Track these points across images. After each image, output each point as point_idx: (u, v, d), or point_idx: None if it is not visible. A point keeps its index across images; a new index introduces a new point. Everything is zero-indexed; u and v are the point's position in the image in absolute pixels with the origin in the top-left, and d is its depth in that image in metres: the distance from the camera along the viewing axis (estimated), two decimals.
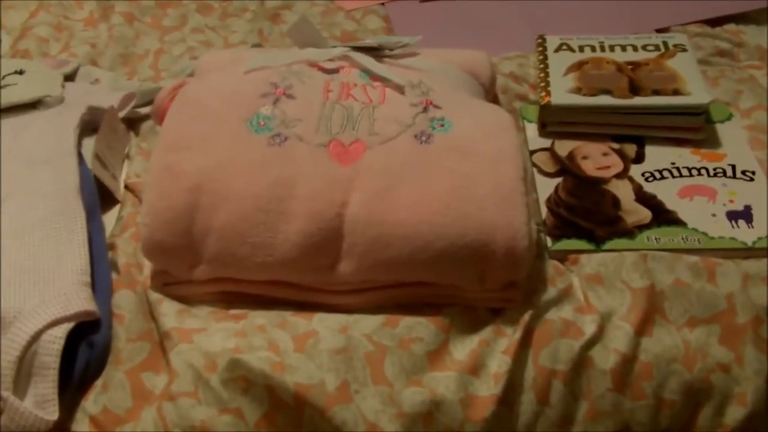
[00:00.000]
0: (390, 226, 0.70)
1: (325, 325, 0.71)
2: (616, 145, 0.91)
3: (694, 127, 0.90)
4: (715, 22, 1.13)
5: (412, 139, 0.75)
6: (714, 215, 0.82)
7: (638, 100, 0.90)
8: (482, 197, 0.71)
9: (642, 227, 0.81)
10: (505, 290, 0.74)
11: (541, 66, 0.98)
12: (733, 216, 0.82)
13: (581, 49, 1.01)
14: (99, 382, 0.71)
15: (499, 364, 0.71)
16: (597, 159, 0.89)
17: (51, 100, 0.96)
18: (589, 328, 0.73)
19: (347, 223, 0.71)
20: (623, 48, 1.00)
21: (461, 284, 0.73)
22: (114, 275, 0.78)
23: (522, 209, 0.71)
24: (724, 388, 0.74)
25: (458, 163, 0.73)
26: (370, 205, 0.71)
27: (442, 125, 0.77)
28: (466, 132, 0.76)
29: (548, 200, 0.85)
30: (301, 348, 0.69)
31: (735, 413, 0.74)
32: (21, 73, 1.01)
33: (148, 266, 0.77)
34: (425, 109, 0.78)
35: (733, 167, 0.87)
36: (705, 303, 0.76)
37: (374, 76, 0.83)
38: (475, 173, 0.72)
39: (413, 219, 0.70)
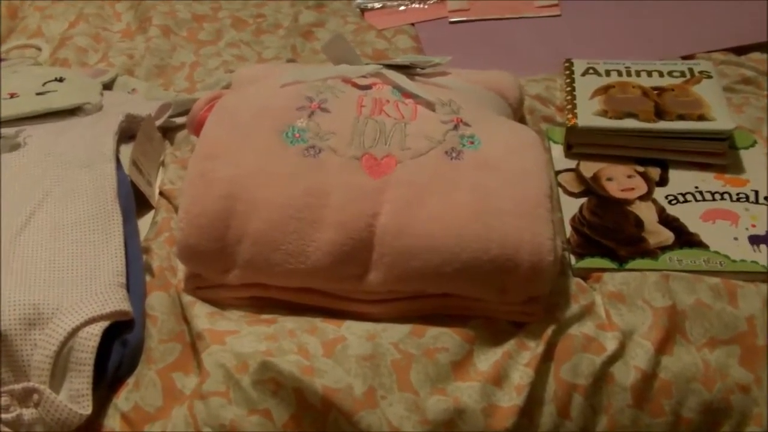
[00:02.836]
0: (417, 237, 0.72)
1: (353, 332, 0.73)
2: (640, 168, 0.92)
3: (718, 152, 0.92)
4: (740, 50, 1.15)
5: (443, 155, 0.77)
6: (736, 239, 0.83)
7: (663, 125, 0.92)
8: (508, 212, 0.73)
9: (664, 248, 0.83)
10: (528, 304, 0.75)
11: (568, 89, 1.00)
12: (755, 240, 0.83)
13: (607, 73, 1.02)
14: (131, 380, 0.73)
15: (521, 376, 0.72)
16: (621, 181, 0.91)
17: (90, 107, 0.99)
18: (611, 345, 0.75)
19: (377, 234, 0.73)
20: (649, 73, 1.02)
21: (485, 296, 0.74)
22: (148, 277, 0.80)
23: (548, 225, 0.73)
24: (742, 408, 0.75)
25: (486, 178, 0.75)
26: (399, 216, 0.73)
27: (472, 142, 0.79)
28: (494, 149, 0.78)
29: (572, 219, 0.86)
30: (329, 353, 0.71)
31: None
32: (61, 80, 1.04)
33: (181, 270, 0.79)
34: (456, 127, 0.80)
35: (756, 193, 0.89)
36: (725, 324, 0.77)
37: (406, 93, 0.85)
38: (501, 188, 0.74)
39: (441, 231, 0.72)
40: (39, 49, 1.19)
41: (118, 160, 0.89)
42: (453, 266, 0.72)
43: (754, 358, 0.76)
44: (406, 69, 0.90)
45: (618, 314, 0.77)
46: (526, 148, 0.79)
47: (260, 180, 0.75)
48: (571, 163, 0.94)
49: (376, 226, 0.73)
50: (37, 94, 1.01)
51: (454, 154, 0.77)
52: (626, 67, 1.03)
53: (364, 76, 0.88)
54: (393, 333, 0.73)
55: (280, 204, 0.74)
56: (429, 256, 0.72)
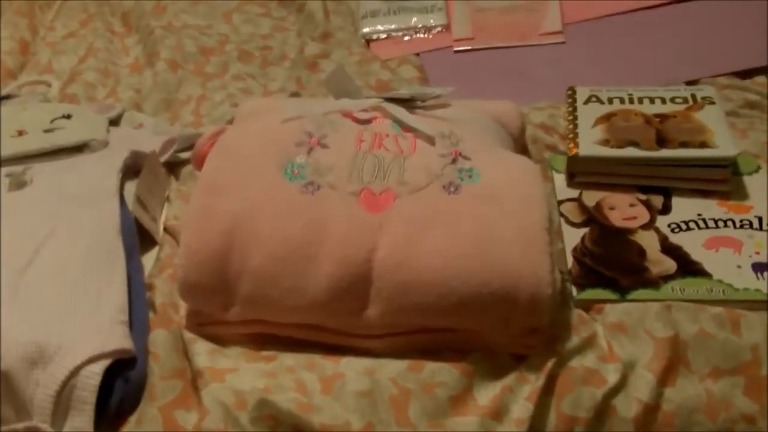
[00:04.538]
0: (416, 271, 0.72)
1: (352, 367, 0.73)
2: (643, 196, 0.92)
3: (721, 179, 0.91)
4: (744, 74, 1.14)
5: (441, 189, 0.77)
6: (739, 267, 0.83)
7: (665, 152, 0.92)
8: (506, 245, 0.73)
9: (667, 278, 0.82)
10: (527, 336, 0.75)
11: (570, 117, 1.00)
12: (758, 268, 0.83)
13: (610, 101, 1.02)
14: (133, 418, 0.73)
15: (521, 410, 0.72)
16: (624, 210, 0.90)
17: (96, 143, 1.00)
18: (612, 377, 0.74)
19: (375, 269, 0.73)
20: (652, 100, 1.01)
21: (484, 329, 0.75)
22: (151, 314, 0.80)
23: (546, 257, 0.73)
24: None
25: (484, 211, 0.75)
26: (397, 250, 0.73)
27: (470, 176, 0.79)
28: (493, 182, 0.78)
29: (574, 250, 0.86)
30: (327, 389, 0.71)
31: None
32: (68, 117, 1.05)
33: (183, 306, 0.80)
34: (454, 160, 0.80)
35: (760, 219, 0.88)
36: (729, 354, 0.76)
37: (405, 127, 0.85)
38: (499, 222, 0.74)
39: (439, 265, 0.72)
40: (49, 85, 1.20)
41: (123, 197, 0.91)
42: (452, 300, 0.72)
43: (759, 388, 0.75)
44: (406, 102, 0.90)
45: (619, 345, 0.77)
46: (526, 181, 0.79)
47: (260, 216, 0.76)
48: (574, 193, 0.93)
49: (375, 260, 0.73)
50: (45, 131, 1.02)
51: (452, 189, 0.77)
52: (629, 94, 1.03)
53: (364, 110, 0.88)
54: (391, 368, 0.73)
55: (279, 240, 0.74)
56: (427, 289, 0.73)
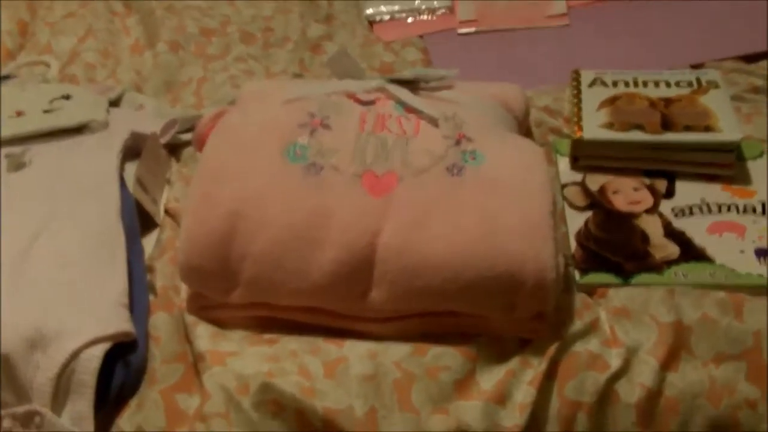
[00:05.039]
0: (420, 256, 0.72)
1: (355, 351, 0.73)
2: (647, 180, 0.91)
3: (725, 163, 0.91)
4: (750, 58, 1.14)
5: (444, 171, 0.77)
6: (742, 252, 0.83)
7: (669, 136, 0.91)
8: (510, 229, 0.72)
9: (670, 262, 0.82)
10: (532, 321, 0.75)
11: (575, 101, 0.99)
12: (761, 253, 0.82)
13: (615, 84, 1.01)
14: (134, 402, 0.73)
15: (524, 394, 0.72)
16: (628, 194, 0.90)
17: (96, 125, 0.99)
18: (615, 362, 0.74)
19: (379, 252, 0.73)
20: (656, 84, 1.01)
21: (489, 314, 0.74)
22: (151, 297, 0.80)
23: (550, 242, 0.72)
24: (750, 425, 0.74)
25: (488, 196, 0.75)
26: (401, 235, 0.73)
27: (474, 158, 0.78)
28: (497, 165, 0.78)
29: (578, 234, 0.86)
30: (331, 373, 0.71)
31: None
32: (68, 98, 1.04)
33: (184, 289, 0.79)
34: (458, 142, 0.80)
35: (763, 204, 0.88)
36: (732, 339, 0.76)
37: (409, 108, 0.84)
38: (503, 206, 0.74)
39: (443, 250, 0.72)
40: (48, 65, 1.19)
41: (123, 179, 0.90)
42: (457, 284, 0.72)
43: (762, 373, 0.75)
44: (410, 83, 0.89)
45: (623, 330, 0.77)
46: (530, 164, 0.79)
47: (263, 199, 0.75)
48: (578, 176, 0.93)
49: (378, 244, 0.73)
50: (44, 111, 1.01)
51: (455, 170, 0.77)
52: (634, 78, 1.02)
53: (367, 91, 0.88)
54: (395, 352, 0.73)
55: (282, 224, 0.74)
56: (432, 274, 0.72)
